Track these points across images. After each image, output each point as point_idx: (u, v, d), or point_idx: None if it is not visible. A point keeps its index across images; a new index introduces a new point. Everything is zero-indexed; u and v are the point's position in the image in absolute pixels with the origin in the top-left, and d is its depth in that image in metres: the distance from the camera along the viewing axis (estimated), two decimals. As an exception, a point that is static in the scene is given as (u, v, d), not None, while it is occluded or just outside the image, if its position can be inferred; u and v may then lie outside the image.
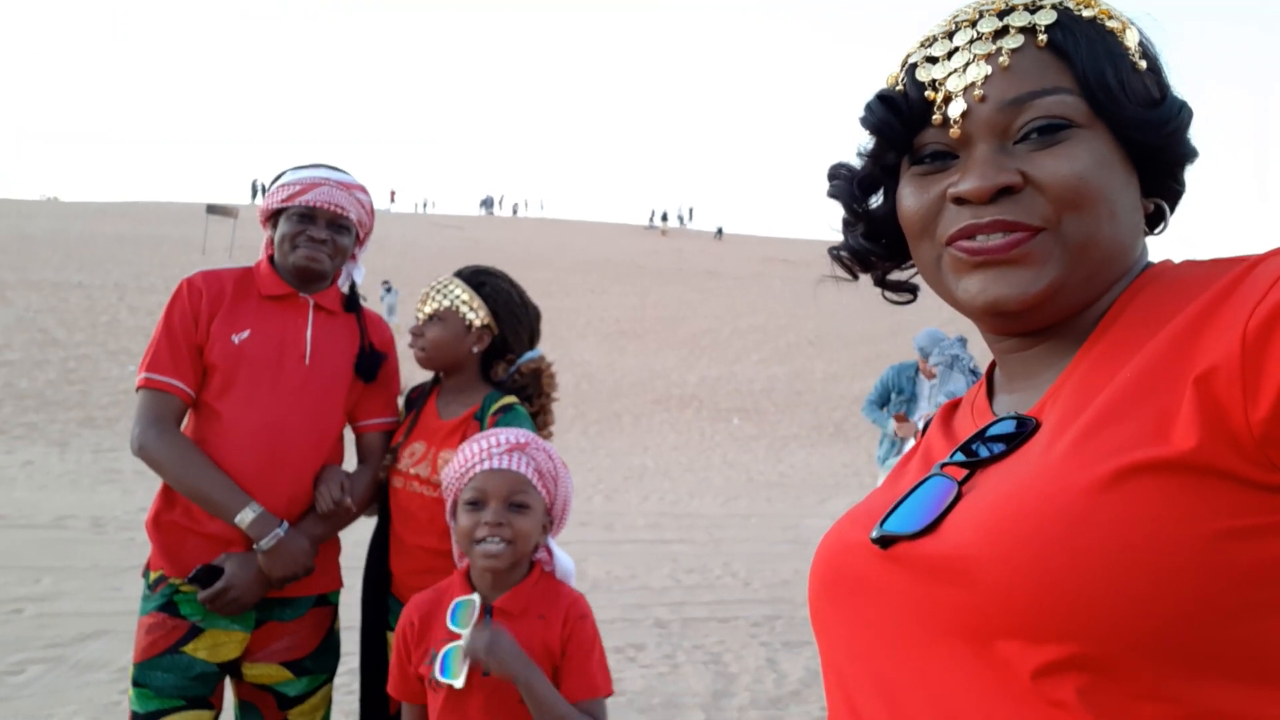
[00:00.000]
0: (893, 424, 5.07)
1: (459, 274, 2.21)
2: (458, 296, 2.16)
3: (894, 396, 5.29)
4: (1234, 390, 0.54)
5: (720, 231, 54.07)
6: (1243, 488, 0.53)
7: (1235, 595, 0.52)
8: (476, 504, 1.72)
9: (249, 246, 22.24)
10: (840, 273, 0.87)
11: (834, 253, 0.86)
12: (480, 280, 2.20)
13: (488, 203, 61.14)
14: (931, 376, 5.26)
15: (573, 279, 28.00)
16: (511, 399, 2.15)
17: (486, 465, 1.74)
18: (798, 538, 7.81)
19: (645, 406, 15.37)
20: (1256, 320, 0.53)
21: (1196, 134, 0.72)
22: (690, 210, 62.85)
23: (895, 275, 0.86)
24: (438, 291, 2.18)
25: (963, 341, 5.13)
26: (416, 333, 2.17)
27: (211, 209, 24.48)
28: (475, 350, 2.19)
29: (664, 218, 57.02)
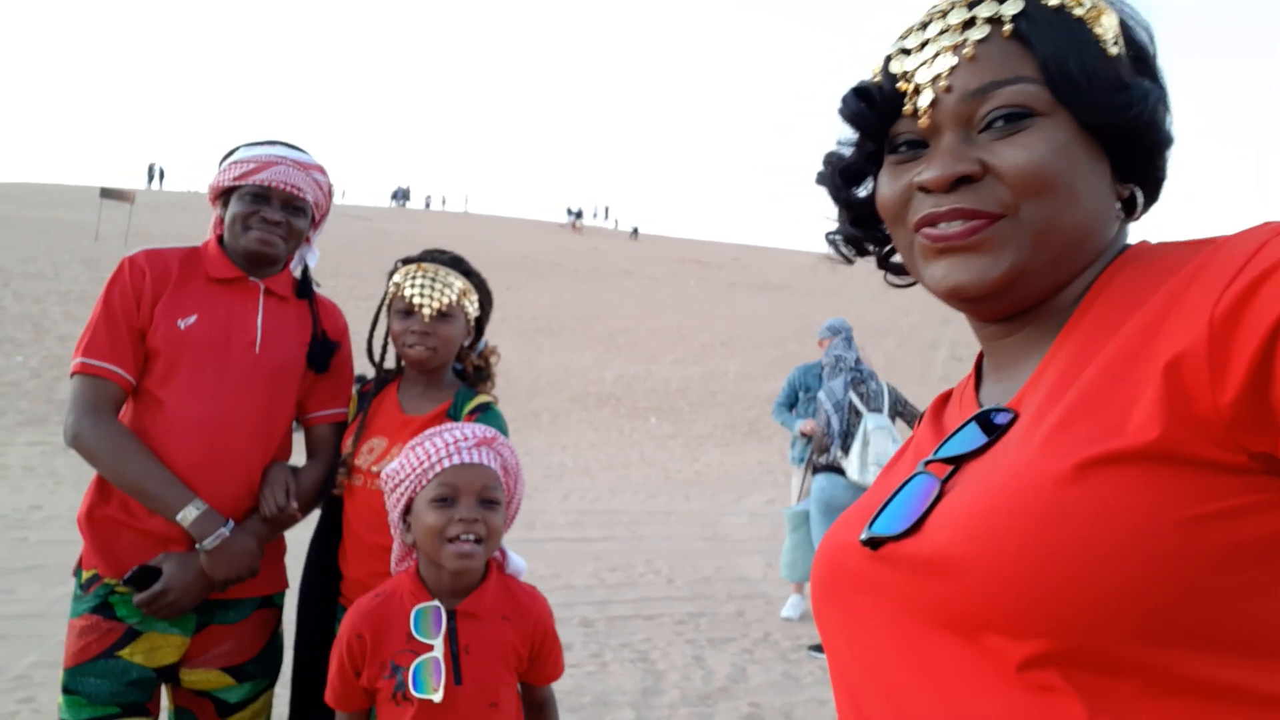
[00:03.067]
0: (799, 425, 5.18)
1: (441, 261, 2.09)
2: (458, 289, 2.05)
3: (801, 395, 5.39)
4: (1201, 375, 0.55)
5: (636, 231, 54.21)
6: (1211, 472, 0.55)
7: (1211, 580, 0.54)
8: (446, 500, 1.65)
9: (145, 233, 21.25)
10: (836, 256, 0.89)
11: (829, 237, 0.88)
12: (466, 268, 2.11)
13: (400, 194, 59.62)
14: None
15: (488, 275, 27.29)
16: (486, 398, 2.09)
17: (457, 459, 1.67)
18: (716, 535, 7.89)
19: (563, 404, 15.29)
20: (1224, 305, 0.55)
21: (1176, 120, 0.73)
22: (606, 209, 62.91)
23: (897, 258, 0.87)
24: (443, 285, 2.03)
25: (847, 340, 5.21)
26: (424, 332, 2.00)
27: (106, 193, 23.23)
28: (466, 343, 2.12)
29: (579, 214, 56.81)
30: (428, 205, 63.82)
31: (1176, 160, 0.74)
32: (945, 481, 0.67)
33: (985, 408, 0.71)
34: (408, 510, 1.70)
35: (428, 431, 1.76)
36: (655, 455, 12.64)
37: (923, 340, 21.46)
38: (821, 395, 5.07)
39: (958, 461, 0.68)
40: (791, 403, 5.44)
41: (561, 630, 5.06)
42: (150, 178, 46.12)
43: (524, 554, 6.45)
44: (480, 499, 1.66)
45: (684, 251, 44.09)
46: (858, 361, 5.14)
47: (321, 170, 2.03)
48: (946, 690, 0.61)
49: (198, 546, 1.81)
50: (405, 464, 1.70)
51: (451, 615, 1.65)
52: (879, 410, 5.02)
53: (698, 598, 5.76)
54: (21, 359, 12.78)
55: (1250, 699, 0.54)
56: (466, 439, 1.70)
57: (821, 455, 5.00)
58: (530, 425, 13.78)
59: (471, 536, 1.63)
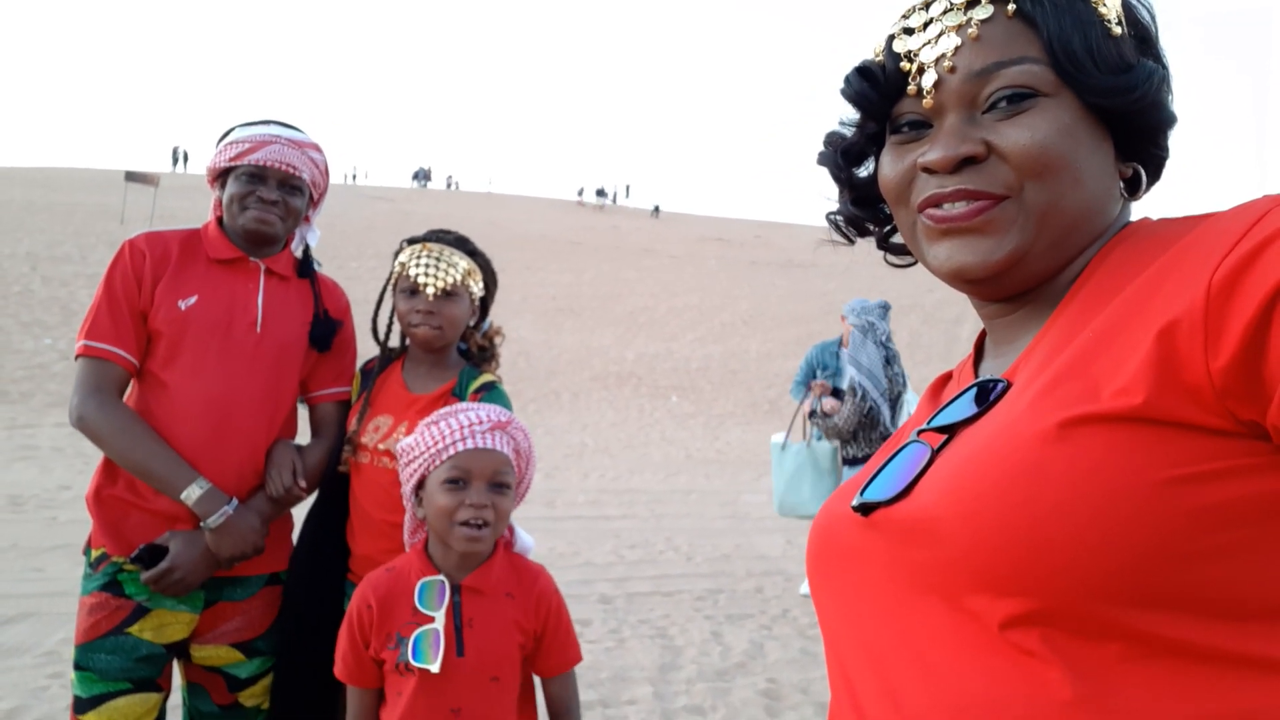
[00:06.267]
0: (822, 404, 5.11)
1: (446, 241, 2.08)
2: (463, 269, 2.04)
3: (819, 373, 5.34)
4: (1196, 341, 0.55)
5: (657, 209, 53.99)
6: (1195, 436, 0.55)
7: (1191, 542, 0.54)
8: (458, 482, 1.67)
9: (170, 215, 21.45)
10: (837, 237, 0.88)
11: (830, 217, 0.87)
12: (470, 248, 2.10)
13: (421, 175, 59.58)
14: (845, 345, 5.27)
15: (508, 254, 27.63)
16: (490, 377, 2.09)
17: (470, 443, 1.68)
18: (736, 513, 7.90)
19: (583, 384, 15.32)
20: (1222, 273, 0.55)
21: (1177, 100, 0.73)
22: (627, 187, 62.68)
23: (897, 239, 0.86)
24: (448, 265, 2.02)
25: (884, 308, 5.14)
26: (429, 311, 2.00)
27: (130, 176, 23.42)
28: (471, 323, 2.13)
29: (599, 193, 56.49)
30: (448, 186, 63.83)
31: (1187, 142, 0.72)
32: (939, 450, 0.67)
33: (980, 378, 0.72)
34: (420, 485, 1.73)
35: (443, 410, 1.77)
36: (676, 434, 12.66)
37: (947, 317, 21.28)
38: (857, 372, 4.89)
39: (951, 430, 0.68)
40: (810, 381, 5.40)
41: (580, 607, 5.08)
42: (174, 161, 46.44)
43: (544, 532, 6.47)
44: (491, 483, 1.68)
45: (705, 229, 43.92)
46: (888, 338, 5.06)
47: (317, 148, 2.03)
48: (929, 657, 0.61)
49: (202, 525, 1.83)
50: (420, 441, 1.72)
51: (456, 589, 1.68)
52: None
53: (717, 575, 5.77)
54: (50, 341, 12.98)
55: (1231, 661, 0.54)
56: (481, 423, 1.72)
57: (848, 446, 4.93)
58: (551, 404, 13.84)
59: (480, 520, 1.65)
